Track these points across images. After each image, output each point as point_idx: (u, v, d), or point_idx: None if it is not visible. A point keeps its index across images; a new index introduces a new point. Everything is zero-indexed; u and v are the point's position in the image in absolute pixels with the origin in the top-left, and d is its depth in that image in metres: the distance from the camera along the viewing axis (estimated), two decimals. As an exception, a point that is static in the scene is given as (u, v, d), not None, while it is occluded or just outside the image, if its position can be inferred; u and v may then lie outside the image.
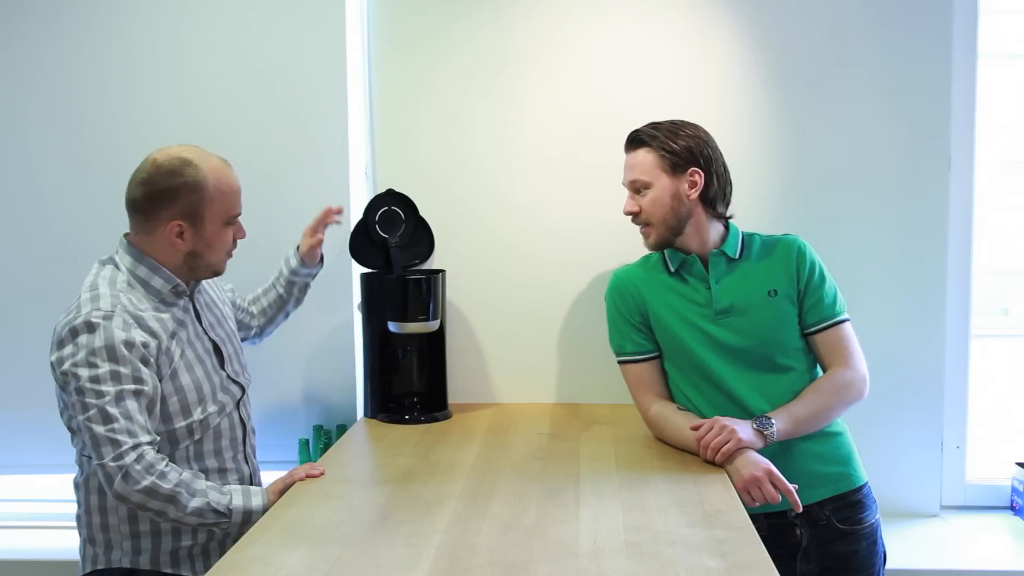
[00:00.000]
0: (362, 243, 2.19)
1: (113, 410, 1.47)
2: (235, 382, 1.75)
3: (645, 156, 1.82)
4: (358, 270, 2.23)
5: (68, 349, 1.51)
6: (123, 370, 1.50)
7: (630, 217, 1.87)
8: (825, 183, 2.22)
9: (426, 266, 2.27)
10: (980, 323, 2.31)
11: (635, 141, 1.84)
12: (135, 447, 1.47)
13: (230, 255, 1.73)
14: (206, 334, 1.73)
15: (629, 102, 2.20)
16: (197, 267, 1.68)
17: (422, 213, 2.23)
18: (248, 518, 1.56)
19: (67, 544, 2.30)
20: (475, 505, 1.50)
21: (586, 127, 2.23)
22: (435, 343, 2.20)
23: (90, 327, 1.51)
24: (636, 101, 2.20)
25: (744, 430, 1.67)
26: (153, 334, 1.58)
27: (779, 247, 1.85)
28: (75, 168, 2.30)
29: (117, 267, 1.64)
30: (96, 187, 2.28)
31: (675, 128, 1.82)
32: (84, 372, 1.49)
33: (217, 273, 1.73)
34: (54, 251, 2.31)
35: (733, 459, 1.65)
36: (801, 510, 1.63)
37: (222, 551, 1.64)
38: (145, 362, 1.54)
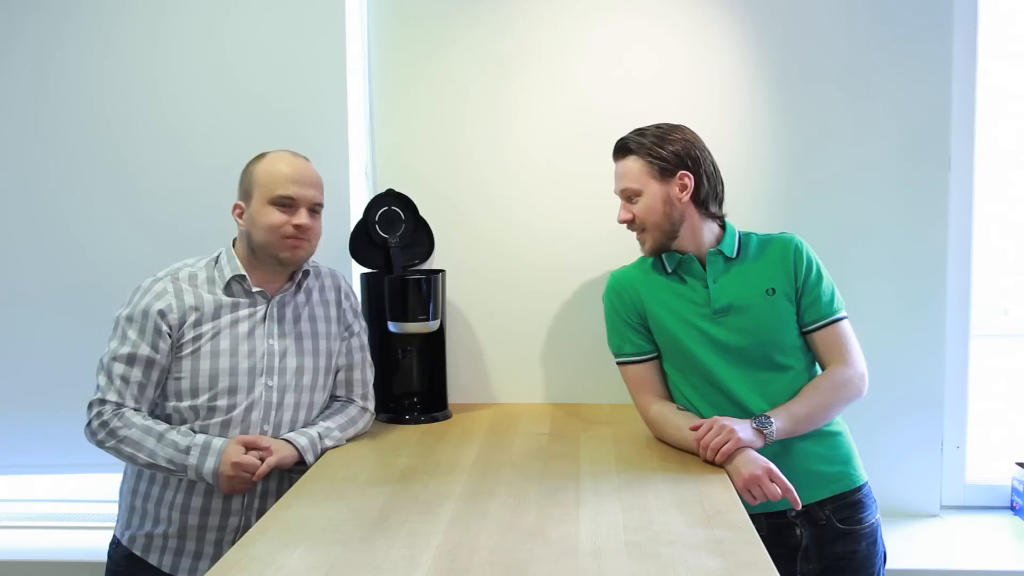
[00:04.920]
0: (362, 243, 2.19)
1: (107, 363, 1.71)
2: (268, 387, 1.76)
3: (633, 164, 1.82)
4: (358, 270, 2.23)
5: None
6: (131, 334, 1.71)
7: (625, 225, 1.87)
8: (825, 183, 2.22)
9: (426, 266, 2.27)
10: (980, 323, 2.31)
11: (622, 149, 1.84)
12: (100, 402, 1.69)
13: (290, 240, 1.76)
14: (266, 339, 1.77)
15: (630, 100, 2.20)
16: (256, 249, 1.78)
17: (422, 213, 2.23)
18: (201, 477, 1.68)
19: (67, 544, 2.31)
20: (475, 505, 1.50)
21: (587, 126, 2.23)
22: (435, 343, 2.20)
23: (137, 288, 1.76)
24: (638, 100, 2.20)
25: (743, 430, 1.67)
26: (183, 305, 1.73)
27: (776, 245, 1.85)
28: (60, 167, 2.30)
29: (220, 251, 1.83)
30: (94, 189, 2.29)
31: (661, 133, 1.82)
32: (113, 324, 1.75)
33: (279, 260, 1.78)
34: (50, 253, 2.31)
35: (733, 459, 1.64)
36: (800, 507, 1.63)
37: (196, 549, 1.74)
38: (158, 331, 1.71)
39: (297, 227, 1.76)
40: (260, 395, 1.75)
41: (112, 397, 1.69)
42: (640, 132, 1.83)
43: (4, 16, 2.27)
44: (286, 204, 1.75)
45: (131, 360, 1.70)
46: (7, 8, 2.26)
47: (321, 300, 1.89)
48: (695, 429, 1.71)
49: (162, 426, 1.70)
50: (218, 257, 1.82)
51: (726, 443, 1.64)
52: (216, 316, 1.75)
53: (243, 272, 1.78)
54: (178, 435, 1.68)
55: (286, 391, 1.79)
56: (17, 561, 2.24)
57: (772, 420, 1.69)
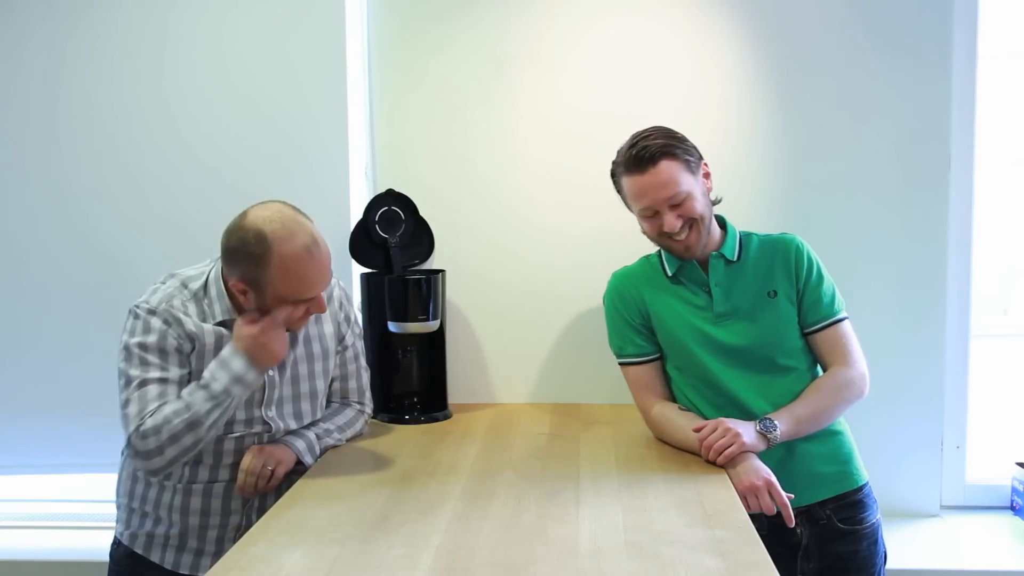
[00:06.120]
0: (362, 243, 2.19)
1: (136, 390, 1.59)
2: (266, 423, 1.74)
3: (673, 166, 1.72)
4: (358, 270, 2.23)
5: (125, 327, 1.66)
6: (151, 359, 1.61)
7: (670, 235, 1.76)
8: (826, 183, 2.22)
9: (426, 266, 2.27)
10: (980, 323, 2.31)
11: (655, 156, 1.71)
12: (136, 428, 1.56)
13: (304, 321, 1.69)
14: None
15: (631, 100, 2.20)
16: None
17: (422, 213, 2.23)
18: (244, 381, 1.59)
19: (67, 544, 2.31)
20: (475, 505, 1.50)
21: (587, 126, 2.23)
22: (435, 343, 2.20)
23: (135, 316, 1.65)
24: (637, 100, 2.20)
25: (747, 433, 1.66)
26: (190, 337, 1.64)
27: (777, 247, 1.85)
28: (64, 169, 2.30)
29: (208, 274, 1.70)
30: (99, 191, 2.29)
31: (667, 132, 1.77)
32: (121, 359, 1.63)
33: (288, 330, 1.69)
34: (51, 255, 2.31)
35: (735, 462, 1.64)
36: (793, 524, 1.62)
37: (198, 546, 1.72)
38: (180, 352, 1.63)
39: (311, 315, 1.68)
40: (258, 426, 1.73)
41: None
42: (652, 137, 1.74)
43: (14, 23, 2.27)
44: (305, 301, 1.64)
45: (163, 383, 1.60)
46: (16, 15, 2.27)
47: (315, 317, 1.80)
48: (699, 430, 1.71)
49: (182, 396, 1.59)
50: (206, 286, 1.69)
51: (730, 446, 1.64)
52: (217, 349, 1.66)
53: (233, 317, 1.67)
54: (192, 387, 1.59)
55: (284, 419, 1.76)
56: (17, 561, 2.24)
57: (776, 424, 1.69)
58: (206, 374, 1.59)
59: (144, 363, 1.61)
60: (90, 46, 2.26)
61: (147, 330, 1.63)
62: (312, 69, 2.22)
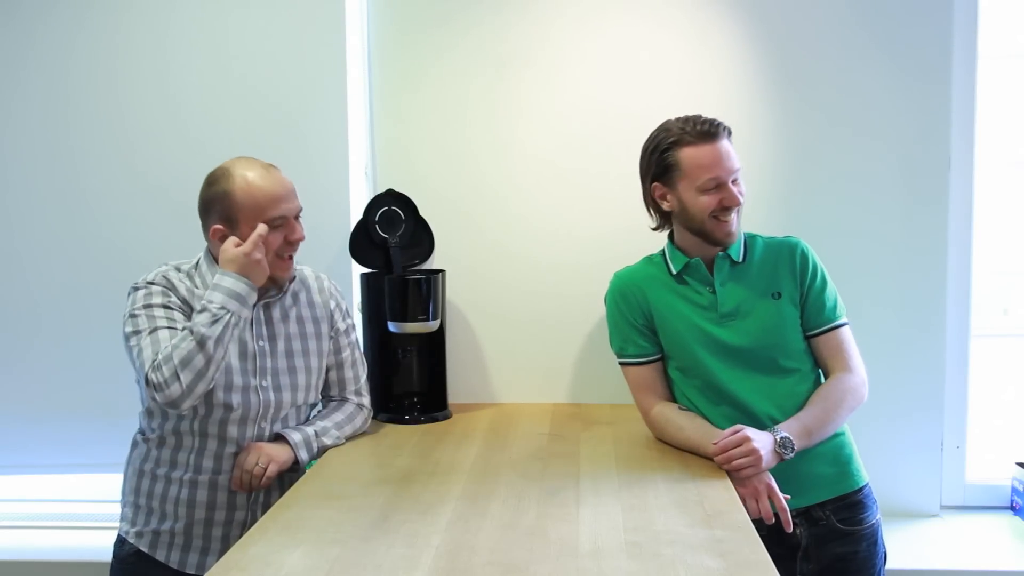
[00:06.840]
0: (362, 243, 2.19)
1: (148, 339, 1.64)
2: (259, 393, 1.76)
3: (728, 143, 1.78)
4: (358, 270, 2.24)
5: (127, 304, 1.72)
6: (158, 313, 1.68)
7: (728, 210, 1.77)
8: (825, 184, 2.22)
9: (426, 266, 2.27)
10: (980, 323, 2.31)
11: (719, 132, 1.76)
12: (152, 363, 1.61)
13: (284, 258, 1.75)
14: (256, 341, 1.77)
15: (630, 101, 2.20)
16: None
17: (422, 213, 2.23)
18: (239, 296, 1.65)
19: (68, 544, 2.32)
20: (475, 505, 1.50)
21: (586, 126, 2.23)
22: (435, 343, 2.20)
23: (135, 289, 1.73)
24: (637, 100, 2.20)
25: (767, 456, 1.64)
26: (186, 302, 1.72)
27: (782, 249, 1.85)
28: (67, 170, 2.30)
29: (197, 258, 1.79)
30: (103, 192, 2.29)
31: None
32: (128, 327, 1.68)
33: (274, 279, 1.75)
34: (50, 256, 2.31)
35: None
36: (791, 529, 1.62)
37: (203, 544, 1.74)
38: (182, 311, 1.70)
39: (292, 243, 1.74)
40: (254, 396, 1.75)
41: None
42: (699, 116, 1.78)
43: (18, 22, 2.27)
44: (277, 225, 1.71)
45: (173, 330, 1.64)
46: (21, 13, 2.27)
47: (307, 302, 1.87)
48: (717, 442, 1.69)
49: (184, 327, 1.63)
50: (197, 264, 1.78)
51: (748, 467, 1.63)
52: None
53: None
54: (194, 315, 1.64)
55: (280, 391, 1.78)
56: (19, 561, 2.25)
57: (794, 445, 1.68)
58: (202, 301, 1.65)
59: (152, 317, 1.67)
60: (92, 47, 2.27)
61: (149, 295, 1.70)
62: (312, 69, 2.23)
